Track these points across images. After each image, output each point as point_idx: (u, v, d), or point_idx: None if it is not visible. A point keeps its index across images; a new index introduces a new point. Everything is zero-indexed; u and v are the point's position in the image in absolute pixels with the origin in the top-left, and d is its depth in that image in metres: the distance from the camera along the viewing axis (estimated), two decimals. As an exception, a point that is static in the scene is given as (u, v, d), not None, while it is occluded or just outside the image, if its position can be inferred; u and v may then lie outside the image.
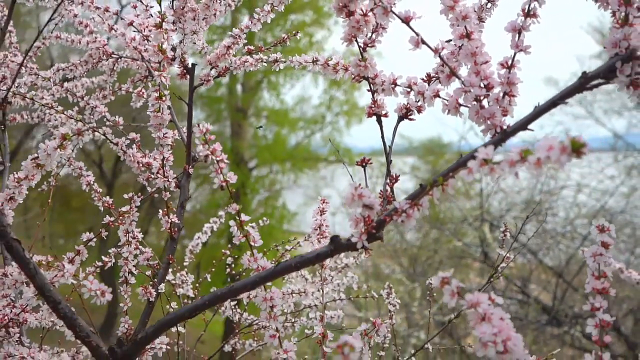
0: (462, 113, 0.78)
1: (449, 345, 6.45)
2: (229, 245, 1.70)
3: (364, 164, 0.91)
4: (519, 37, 0.75)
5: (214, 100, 10.78)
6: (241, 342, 1.69)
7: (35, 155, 0.89)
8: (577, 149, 0.50)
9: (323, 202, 1.19)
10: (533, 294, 6.88)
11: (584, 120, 8.80)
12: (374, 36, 0.86)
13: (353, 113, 10.98)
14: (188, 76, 1.24)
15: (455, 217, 8.02)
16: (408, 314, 6.91)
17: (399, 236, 8.43)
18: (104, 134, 1.18)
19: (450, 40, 0.80)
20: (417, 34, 0.78)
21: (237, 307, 1.67)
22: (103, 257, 1.28)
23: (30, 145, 9.00)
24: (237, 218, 0.86)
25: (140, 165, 1.20)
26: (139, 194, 1.16)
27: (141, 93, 1.37)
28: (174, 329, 1.40)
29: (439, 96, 0.82)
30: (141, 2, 1.18)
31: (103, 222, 1.12)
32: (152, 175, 1.20)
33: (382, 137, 0.87)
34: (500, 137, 0.72)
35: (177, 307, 1.25)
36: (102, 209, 1.27)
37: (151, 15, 1.20)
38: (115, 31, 1.33)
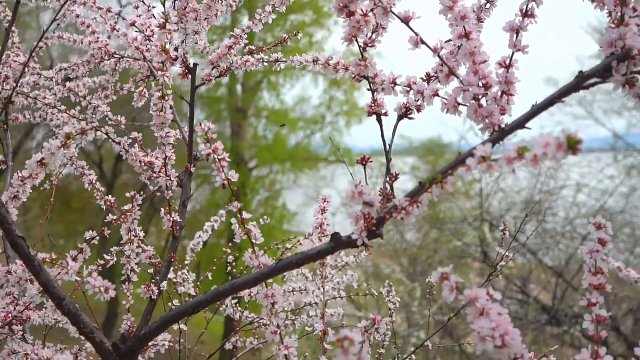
0: (460, 112, 0.79)
1: (448, 344, 6.47)
2: (230, 244, 1.71)
3: (363, 162, 0.92)
4: (517, 36, 0.76)
5: (213, 100, 10.79)
6: (242, 340, 1.70)
7: (41, 155, 0.90)
8: (572, 145, 0.51)
9: (324, 201, 1.20)
10: (533, 293, 6.89)
11: (583, 120, 8.82)
12: (374, 36, 0.87)
13: (353, 113, 10.99)
14: (189, 76, 1.25)
15: (455, 217, 8.04)
16: (408, 313, 6.92)
17: (399, 236, 8.45)
18: (107, 133, 1.19)
19: (449, 41, 0.81)
20: (417, 34, 0.79)
21: (237, 305, 1.68)
22: (105, 256, 1.29)
23: (30, 146, 9.01)
24: (239, 216, 0.87)
25: (142, 164, 1.22)
26: (141, 192, 1.17)
27: (143, 93, 1.38)
28: (175, 327, 1.41)
29: (438, 95, 0.83)
30: (143, 2, 1.19)
31: (105, 220, 1.14)
32: (154, 174, 1.21)
33: (382, 135, 0.88)
34: (498, 135, 0.73)
35: (179, 305, 1.26)
36: (104, 207, 1.28)
37: (153, 15, 1.21)
38: (117, 31, 1.34)
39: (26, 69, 1.42)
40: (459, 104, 0.79)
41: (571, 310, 6.30)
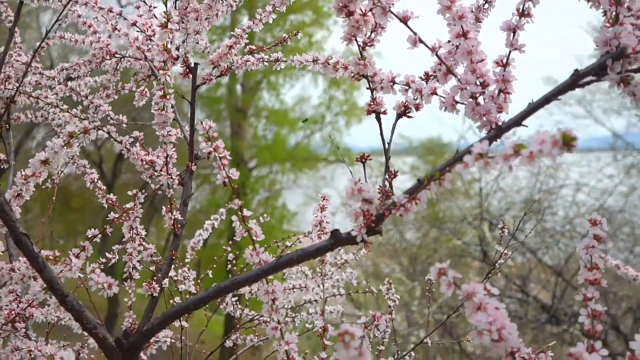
0: (458, 110, 0.80)
1: (449, 344, 6.48)
2: (230, 242, 1.72)
3: (363, 160, 0.93)
4: (514, 35, 0.77)
5: (213, 100, 10.80)
6: (242, 338, 1.71)
7: (44, 154, 0.91)
8: (567, 142, 0.52)
9: (323, 199, 1.21)
10: (532, 292, 6.91)
11: (583, 120, 8.83)
12: (373, 35, 0.88)
13: (353, 113, 11.00)
14: (190, 75, 1.26)
15: (455, 217, 8.05)
16: (408, 312, 6.93)
17: (399, 235, 8.46)
18: (108, 132, 1.20)
19: (449, 42, 0.82)
20: (415, 33, 0.80)
21: (238, 302, 1.70)
22: (107, 254, 1.30)
23: (30, 146, 9.02)
24: (240, 213, 0.88)
25: (144, 162, 1.23)
26: (143, 191, 1.18)
27: (144, 92, 1.39)
28: (177, 324, 1.43)
29: (436, 94, 0.84)
30: (144, 2, 1.20)
31: (107, 218, 1.15)
32: (156, 173, 1.22)
33: (381, 133, 0.89)
34: (495, 132, 0.74)
35: (180, 302, 1.27)
36: (105, 206, 1.29)
37: (154, 15, 1.22)
38: (119, 31, 1.35)
39: (28, 68, 1.43)
40: (456, 102, 0.80)
41: (571, 309, 6.31)
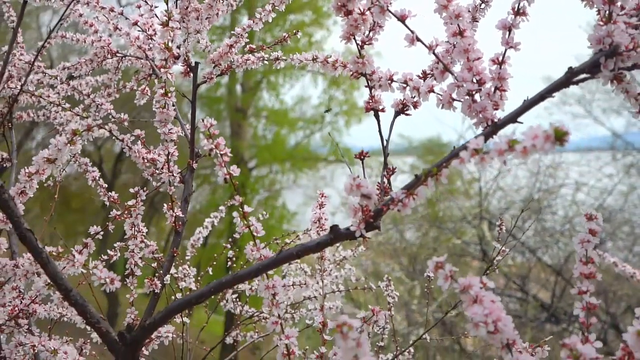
0: (455, 107, 0.82)
1: (448, 344, 6.49)
2: (230, 240, 1.74)
3: (362, 157, 0.94)
4: (509, 34, 0.78)
5: (213, 100, 10.82)
6: (242, 335, 1.73)
7: (48, 151, 0.92)
8: (559, 137, 0.54)
9: (322, 196, 1.22)
10: (532, 291, 6.92)
11: (582, 119, 8.85)
12: (371, 34, 0.89)
13: (352, 113, 11.02)
14: (191, 74, 1.28)
15: (455, 216, 8.07)
16: (408, 312, 6.95)
17: (399, 235, 8.48)
18: (110, 131, 1.21)
19: (448, 42, 0.83)
20: (412, 32, 0.81)
21: (238, 299, 1.71)
22: (108, 251, 1.31)
23: (30, 146, 9.04)
24: (241, 209, 0.89)
25: (145, 161, 1.24)
26: (144, 188, 1.20)
27: (145, 91, 1.40)
28: (178, 320, 1.44)
29: (433, 91, 0.85)
30: (146, 2, 1.21)
31: (109, 216, 1.16)
32: (157, 171, 1.23)
33: (380, 131, 0.91)
34: (491, 129, 0.75)
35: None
36: (107, 204, 1.30)
37: (155, 15, 1.24)
38: (120, 30, 1.37)
39: (32, 67, 1.44)
40: (453, 99, 0.81)
41: (570, 308, 6.32)
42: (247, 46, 1.34)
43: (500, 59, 0.79)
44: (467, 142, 0.68)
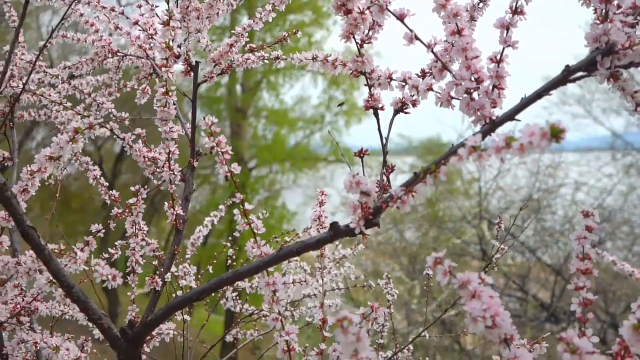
0: (453, 105, 0.83)
1: (448, 343, 6.50)
2: (230, 238, 1.74)
3: (361, 155, 0.95)
4: (507, 33, 0.79)
5: (213, 100, 10.83)
6: (242, 333, 1.74)
7: (50, 150, 0.93)
8: (556, 134, 0.55)
9: (322, 194, 1.23)
10: (532, 291, 6.93)
11: (582, 119, 8.87)
12: (370, 33, 0.90)
13: (352, 113, 11.03)
14: (192, 73, 1.29)
15: (455, 216, 8.08)
16: (408, 311, 6.95)
17: (399, 235, 8.49)
18: (112, 129, 1.22)
19: (447, 42, 0.84)
20: (411, 31, 0.82)
21: (238, 298, 1.72)
22: (110, 250, 1.32)
23: (30, 146, 9.04)
24: (241, 206, 0.90)
25: (146, 159, 1.25)
26: (145, 186, 1.21)
27: (146, 90, 1.41)
28: (179, 317, 1.45)
29: (432, 89, 0.86)
30: (147, 1, 1.22)
31: (110, 214, 1.17)
32: (158, 169, 1.24)
33: (379, 129, 0.92)
34: (489, 127, 0.76)
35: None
36: (108, 202, 1.31)
37: (156, 14, 1.25)
38: (121, 30, 1.37)
39: (34, 66, 1.45)
40: (452, 97, 0.82)
41: (570, 307, 6.33)
42: (248, 45, 1.35)
43: (498, 57, 0.80)
44: (465, 140, 0.69)
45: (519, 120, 0.75)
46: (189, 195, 1.24)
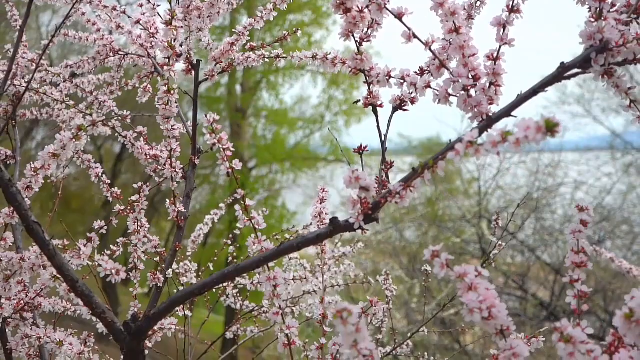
0: (451, 102, 0.84)
1: (448, 343, 6.52)
2: (230, 235, 1.76)
3: (361, 152, 0.96)
4: (504, 31, 0.80)
5: (213, 100, 10.85)
6: (242, 329, 1.75)
7: (53, 147, 0.94)
8: (550, 128, 0.56)
9: (323, 191, 1.24)
10: (531, 290, 6.95)
11: (582, 119, 8.89)
12: (369, 31, 0.91)
13: (352, 113, 11.05)
14: (193, 72, 1.30)
15: (454, 215, 8.10)
16: (408, 311, 6.97)
17: (399, 234, 8.51)
18: (114, 127, 1.23)
19: (444, 37, 0.85)
20: (409, 29, 0.83)
21: (239, 295, 1.73)
22: (111, 247, 1.34)
23: (30, 146, 9.06)
24: (243, 202, 0.91)
25: (148, 157, 1.26)
26: (147, 184, 1.22)
27: (147, 88, 1.42)
28: (180, 313, 1.46)
29: (430, 87, 0.87)
30: (149, 1, 1.23)
31: (113, 210, 1.18)
32: (159, 167, 1.26)
33: (378, 126, 0.93)
34: (486, 123, 0.77)
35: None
36: (110, 200, 1.32)
37: (157, 13, 1.26)
38: (122, 29, 1.39)
39: (34, 65, 1.47)
40: (449, 94, 0.83)
41: (569, 306, 6.34)
42: (248, 44, 1.36)
43: (495, 55, 0.81)
44: (462, 136, 0.71)
45: (516, 117, 0.76)
46: (191, 192, 1.26)
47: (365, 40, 0.89)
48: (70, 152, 0.96)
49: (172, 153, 1.17)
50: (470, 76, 0.82)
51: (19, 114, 1.64)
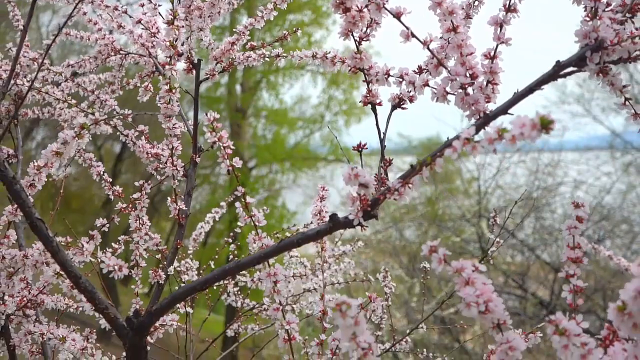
0: (449, 100, 0.85)
1: (448, 342, 6.53)
2: (231, 234, 1.77)
3: (360, 150, 0.97)
4: (501, 30, 0.82)
5: (213, 100, 10.86)
6: (243, 327, 1.76)
7: (56, 145, 0.95)
8: (545, 125, 0.57)
9: (322, 190, 1.25)
10: (531, 289, 6.96)
11: (582, 118, 8.89)
12: (368, 31, 0.93)
13: (352, 112, 11.06)
14: (194, 71, 1.31)
15: (454, 215, 8.12)
16: (407, 310, 6.99)
17: (398, 234, 8.52)
18: (115, 126, 1.24)
19: (442, 36, 0.87)
20: (408, 28, 0.85)
21: (240, 292, 1.74)
22: (113, 244, 1.35)
23: (29, 146, 9.07)
24: (243, 200, 0.92)
25: (149, 155, 1.27)
26: (148, 181, 1.23)
27: (148, 88, 1.44)
28: (182, 310, 1.47)
29: (428, 85, 0.88)
30: (150, 1, 1.25)
31: (115, 208, 1.19)
32: (161, 165, 1.27)
33: (377, 124, 0.94)
34: (483, 120, 0.79)
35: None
36: (112, 197, 1.33)
37: (159, 13, 1.27)
38: (123, 28, 1.40)
39: (36, 64, 1.48)
40: (447, 93, 0.85)
41: (568, 305, 6.35)
42: (249, 44, 1.37)
43: (492, 53, 0.82)
44: (459, 133, 0.72)
45: (512, 115, 0.78)
46: (192, 190, 1.27)
47: (364, 39, 0.90)
48: (72, 150, 0.97)
49: (173, 151, 1.19)
50: (467, 74, 0.83)
51: (20, 113, 1.65)
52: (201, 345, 1.88)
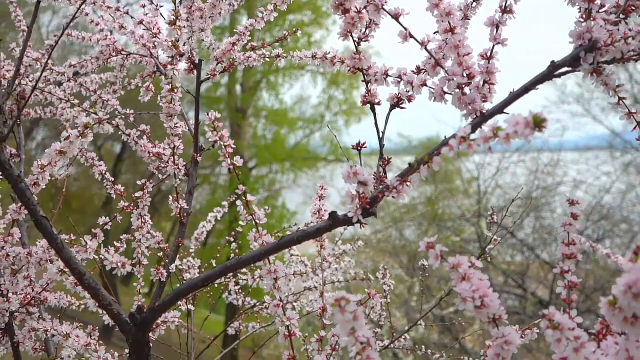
0: (446, 100, 0.87)
1: (448, 341, 6.55)
2: (232, 233, 1.78)
3: (359, 148, 0.99)
4: (497, 30, 0.83)
5: (213, 100, 10.88)
6: (244, 325, 1.78)
7: (60, 144, 0.97)
8: (538, 123, 0.59)
9: (321, 189, 1.27)
10: (530, 288, 6.98)
11: (581, 118, 8.91)
12: (367, 31, 0.94)
13: (352, 112, 11.08)
14: (195, 71, 1.33)
15: (454, 214, 8.14)
16: (407, 309, 7.00)
17: (398, 233, 8.54)
18: (117, 125, 1.26)
19: (436, 32, 0.88)
20: (405, 29, 0.86)
21: (240, 291, 1.76)
22: (115, 243, 1.36)
23: (30, 146, 9.08)
24: (244, 198, 0.94)
25: (151, 154, 1.29)
26: (150, 181, 1.24)
27: (149, 88, 1.45)
28: (183, 307, 1.49)
29: (425, 85, 0.90)
30: (151, 1, 1.26)
31: (117, 207, 1.21)
32: (162, 164, 1.28)
33: (375, 123, 0.96)
34: (479, 119, 0.80)
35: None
36: (114, 196, 1.35)
37: (160, 13, 1.29)
38: (125, 29, 1.41)
39: (39, 64, 1.49)
40: (444, 92, 0.86)
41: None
42: (249, 44, 1.39)
43: (489, 54, 0.84)
44: (456, 132, 0.73)
45: (508, 114, 0.79)
46: (193, 189, 1.28)
47: (363, 39, 0.92)
48: (76, 149, 0.98)
49: (174, 150, 1.20)
50: (464, 74, 0.84)
51: (23, 112, 1.67)
52: (202, 345, 1.90)
